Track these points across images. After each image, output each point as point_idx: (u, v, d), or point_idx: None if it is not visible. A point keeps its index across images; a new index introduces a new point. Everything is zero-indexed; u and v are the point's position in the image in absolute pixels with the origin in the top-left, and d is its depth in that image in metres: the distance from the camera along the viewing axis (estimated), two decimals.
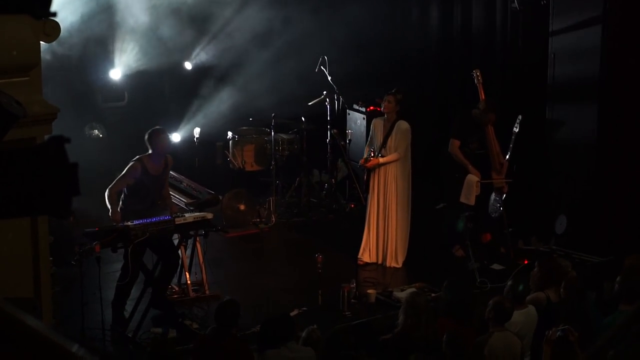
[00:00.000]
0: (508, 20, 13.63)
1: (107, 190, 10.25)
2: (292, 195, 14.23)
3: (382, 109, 11.96)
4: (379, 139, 11.91)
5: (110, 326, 9.94)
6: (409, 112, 12.11)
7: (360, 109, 14.40)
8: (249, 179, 14.38)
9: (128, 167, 10.33)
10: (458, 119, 12.23)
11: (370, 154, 11.83)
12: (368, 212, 12.01)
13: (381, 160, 11.80)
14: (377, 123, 12.01)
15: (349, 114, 14.56)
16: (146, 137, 10.48)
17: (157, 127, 10.70)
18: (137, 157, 10.41)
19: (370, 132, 12.16)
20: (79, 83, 14.50)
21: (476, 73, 12.03)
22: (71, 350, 2.01)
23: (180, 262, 10.66)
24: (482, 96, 12.02)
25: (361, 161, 12.04)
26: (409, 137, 11.83)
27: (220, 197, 12.65)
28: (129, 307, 10.24)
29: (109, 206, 10.18)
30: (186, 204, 11.41)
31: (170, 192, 11.49)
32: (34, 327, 2.07)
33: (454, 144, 12.06)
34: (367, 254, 12.04)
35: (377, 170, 11.89)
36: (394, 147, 11.79)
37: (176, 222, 10.00)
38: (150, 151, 10.42)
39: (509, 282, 9.12)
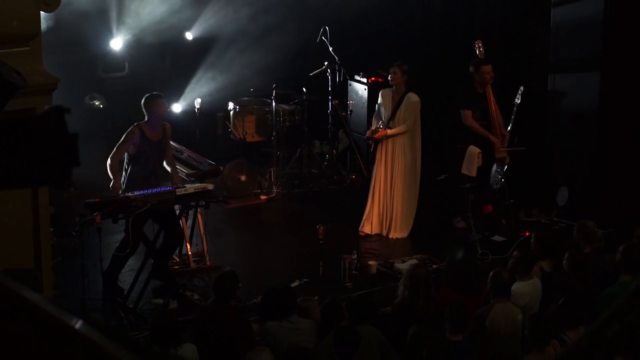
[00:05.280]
0: None
1: (108, 159, 10.25)
2: (293, 166, 14.20)
3: (390, 81, 11.89)
4: (387, 110, 11.85)
5: (111, 297, 9.95)
6: (412, 83, 12.06)
7: (361, 79, 14.33)
8: (250, 149, 14.36)
9: (126, 133, 10.34)
10: (462, 89, 12.17)
11: (379, 126, 11.78)
12: (373, 183, 11.97)
13: (389, 132, 11.75)
14: (386, 94, 11.94)
15: (350, 84, 14.49)
16: (142, 102, 10.45)
17: (154, 92, 10.67)
18: (135, 123, 10.41)
19: (378, 103, 12.09)
20: (79, 53, 14.44)
21: (478, 44, 11.98)
22: (70, 324, 1.99)
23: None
24: None
25: (368, 133, 11.99)
26: (418, 109, 11.78)
27: (221, 168, 12.63)
28: (129, 277, 10.25)
29: (110, 176, 10.19)
30: (187, 175, 11.38)
31: None
32: (33, 300, 2.05)
33: (467, 115, 11.98)
34: (368, 225, 12.02)
35: (385, 142, 11.85)
36: (403, 119, 11.75)
37: (177, 193, 9.97)
38: (146, 117, 10.40)
39: (515, 254, 9.11)
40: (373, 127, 11.92)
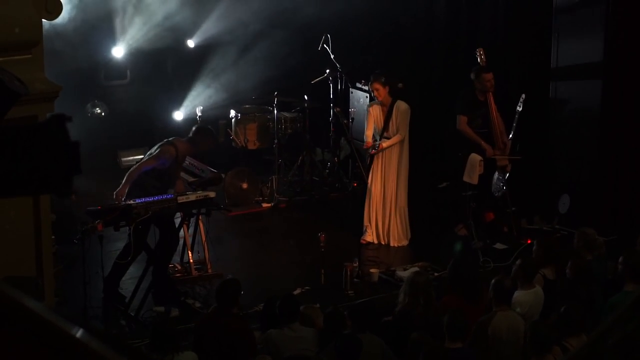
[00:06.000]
0: None
1: (135, 165, 10.18)
2: (294, 174, 14.20)
3: (374, 97, 11.91)
4: (379, 123, 11.86)
5: (112, 305, 9.94)
6: (413, 90, 12.06)
7: (363, 87, 14.32)
8: (252, 157, 14.36)
9: (162, 149, 10.15)
10: (462, 95, 12.17)
11: (375, 142, 11.79)
12: (371, 193, 11.96)
13: (384, 145, 11.76)
14: (375, 108, 11.95)
15: (351, 92, 14.49)
16: (194, 131, 10.49)
17: (209, 127, 10.67)
18: (171, 141, 10.31)
19: (367, 118, 12.07)
20: (81, 61, 14.44)
21: (479, 52, 11.98)
22: (71, 333, 1.99)
23: (182, 242, 10.66)
24: None
25: (366, 145, 11.94)
26: (409, 116, 11.81)
27: (223, 176, 12.61)
28: (130, 285, 10.23)
29: (123, 180, 10.06)
30: (189, 183, 11.37)
31: None
32: (34, 309, 2.05)
33: (462, 121, 11.99)
34: (369, 234, 12.01)
35: (381, 153, 11.86)
36: (396, 128, 11.76)
37: (179, 201, 9.95)
38: (191, 144, 10.39)
39: (517, 261, 9.09)
40: (369, 140, 11.90)
